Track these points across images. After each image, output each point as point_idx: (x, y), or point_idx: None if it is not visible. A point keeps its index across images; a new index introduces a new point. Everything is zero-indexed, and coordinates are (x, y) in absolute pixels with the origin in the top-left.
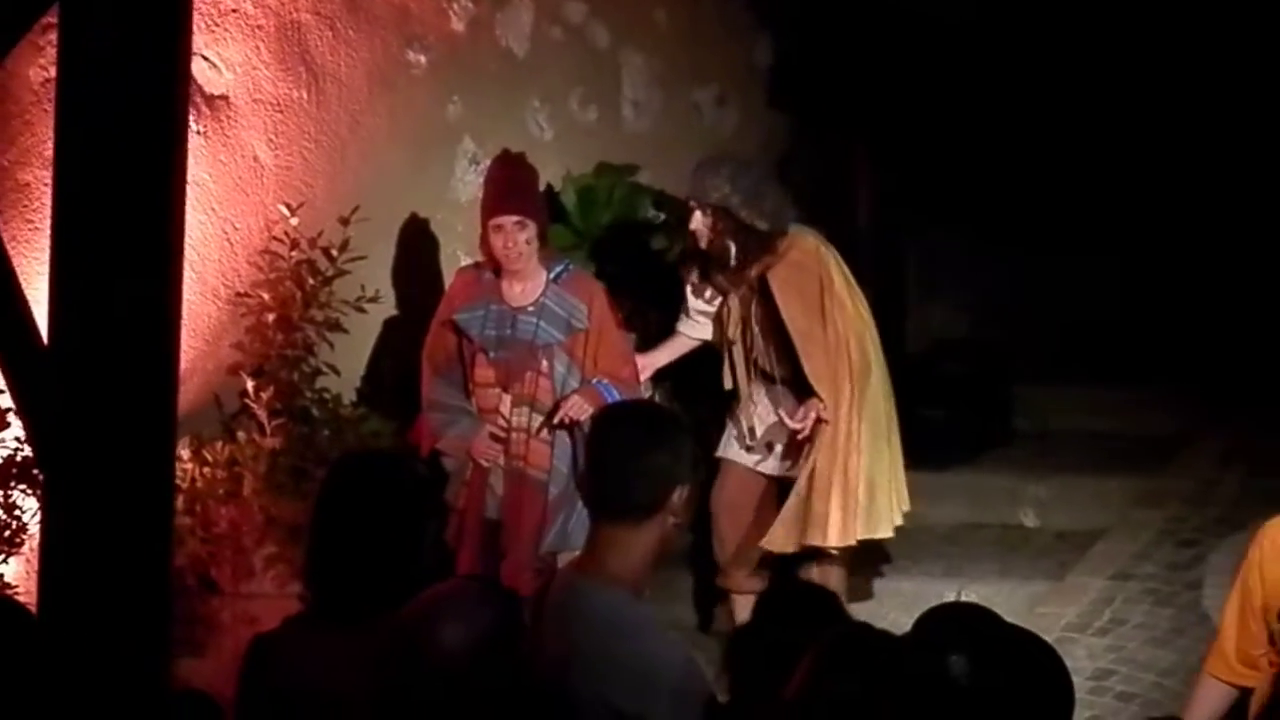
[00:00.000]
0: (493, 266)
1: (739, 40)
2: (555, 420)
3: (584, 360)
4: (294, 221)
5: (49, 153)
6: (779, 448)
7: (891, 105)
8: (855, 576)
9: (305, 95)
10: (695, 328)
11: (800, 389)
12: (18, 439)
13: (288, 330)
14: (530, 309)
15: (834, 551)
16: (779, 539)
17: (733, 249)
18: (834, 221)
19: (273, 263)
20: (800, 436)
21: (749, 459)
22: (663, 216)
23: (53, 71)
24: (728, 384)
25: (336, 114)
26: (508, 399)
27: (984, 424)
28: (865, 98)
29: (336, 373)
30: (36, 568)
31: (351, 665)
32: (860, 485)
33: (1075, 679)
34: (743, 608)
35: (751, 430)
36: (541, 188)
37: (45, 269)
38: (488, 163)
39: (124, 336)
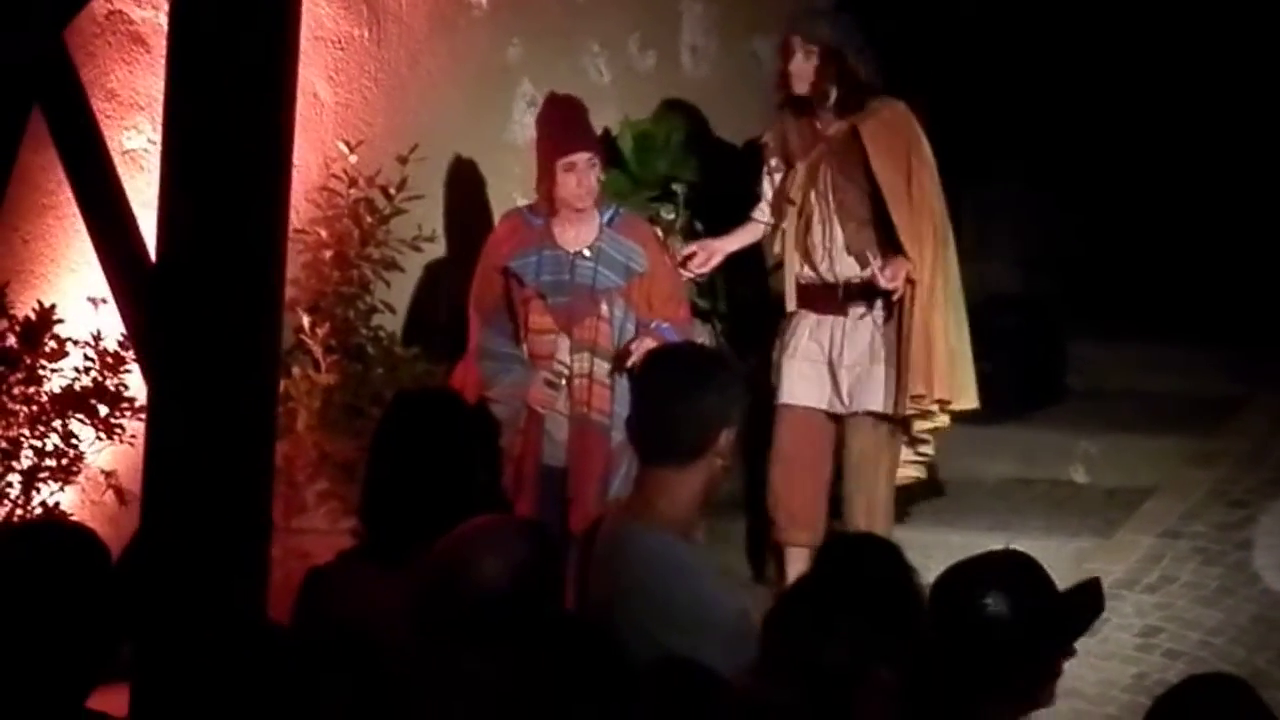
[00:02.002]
0: (547, 210)
1: None
2: (627, 365)
3: (639, 303)
4: (352, 159)
5: (111, 84)
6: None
7: (950, 55)
8: (903, 528)
9: (366, 34)
10: (765, 211)
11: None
12: (75, 369)
13: (344, 268)
14: (587, 253)
15: (881, 504)
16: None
17: (832, 95)
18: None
19: (330, 200)
20: (895, 297)
21: (813, 397)
22: (678, 188)
23: (116, 4)
24: (792, 302)
25: (397, 53)
26: (566, 345)
27: (1036, 379)
28: (924, 48)
29: (392, 311)
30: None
31: (404, 600)
32: (942, 347)
33: (1122, 635)
34: (796, 561)
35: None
36: (599, 134)
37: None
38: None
39: (231, 256)
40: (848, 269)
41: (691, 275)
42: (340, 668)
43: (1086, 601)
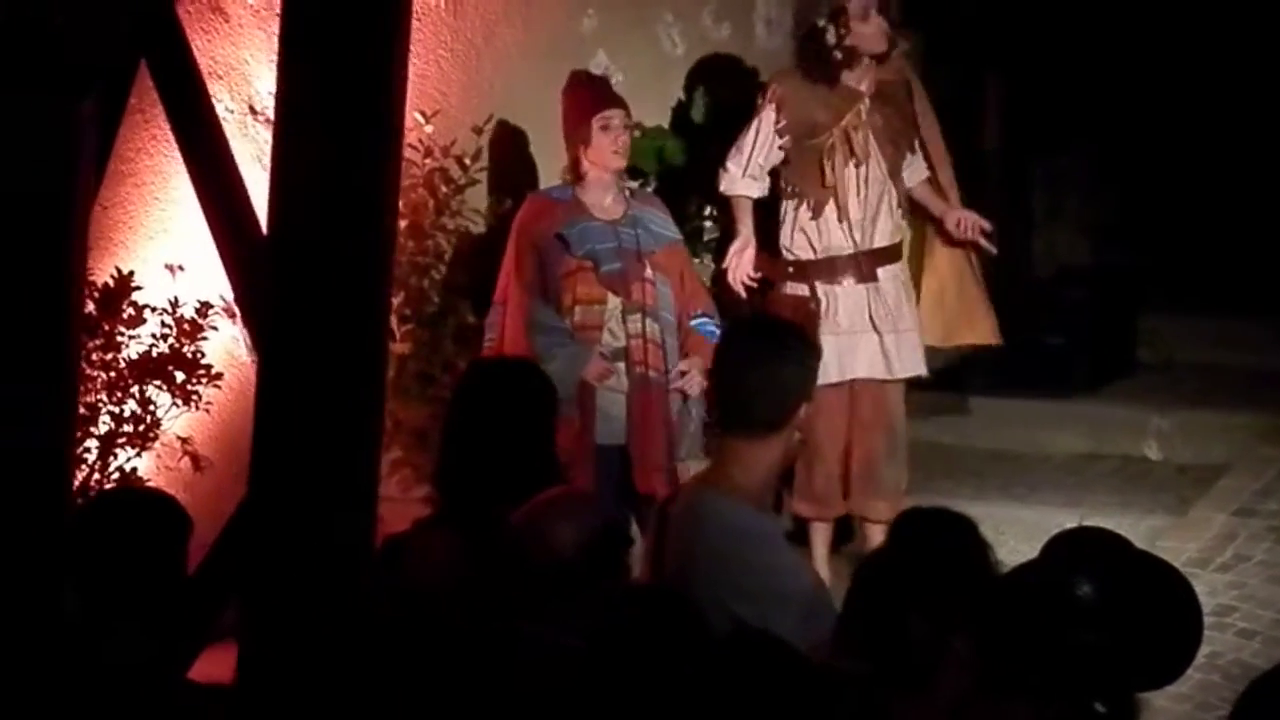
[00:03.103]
0: (574, 181)
1: None
2: (681, 386)
3: (670, 274)
4: (428, 129)
5: None
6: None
7: (1023, 26)
8: (972, 504)
9: (442, 4)
10: (752, 186)
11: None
12: (153, 335)
13: (419, 237)
14: (624, 221)
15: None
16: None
17: (887, 40)
18: (961, 143)
19: (406, 170)
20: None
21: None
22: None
23: None
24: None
25: (473, 24)
26: (617, 311)
27: (1108, 353)
28: (997, 19)
29: (466, 280)
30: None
31: (480, 568)
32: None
33: None
34: (822, 534)
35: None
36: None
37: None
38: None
39: (341, 227)
40: (886, 233)
41: (746, 285)
42: (418, 634)
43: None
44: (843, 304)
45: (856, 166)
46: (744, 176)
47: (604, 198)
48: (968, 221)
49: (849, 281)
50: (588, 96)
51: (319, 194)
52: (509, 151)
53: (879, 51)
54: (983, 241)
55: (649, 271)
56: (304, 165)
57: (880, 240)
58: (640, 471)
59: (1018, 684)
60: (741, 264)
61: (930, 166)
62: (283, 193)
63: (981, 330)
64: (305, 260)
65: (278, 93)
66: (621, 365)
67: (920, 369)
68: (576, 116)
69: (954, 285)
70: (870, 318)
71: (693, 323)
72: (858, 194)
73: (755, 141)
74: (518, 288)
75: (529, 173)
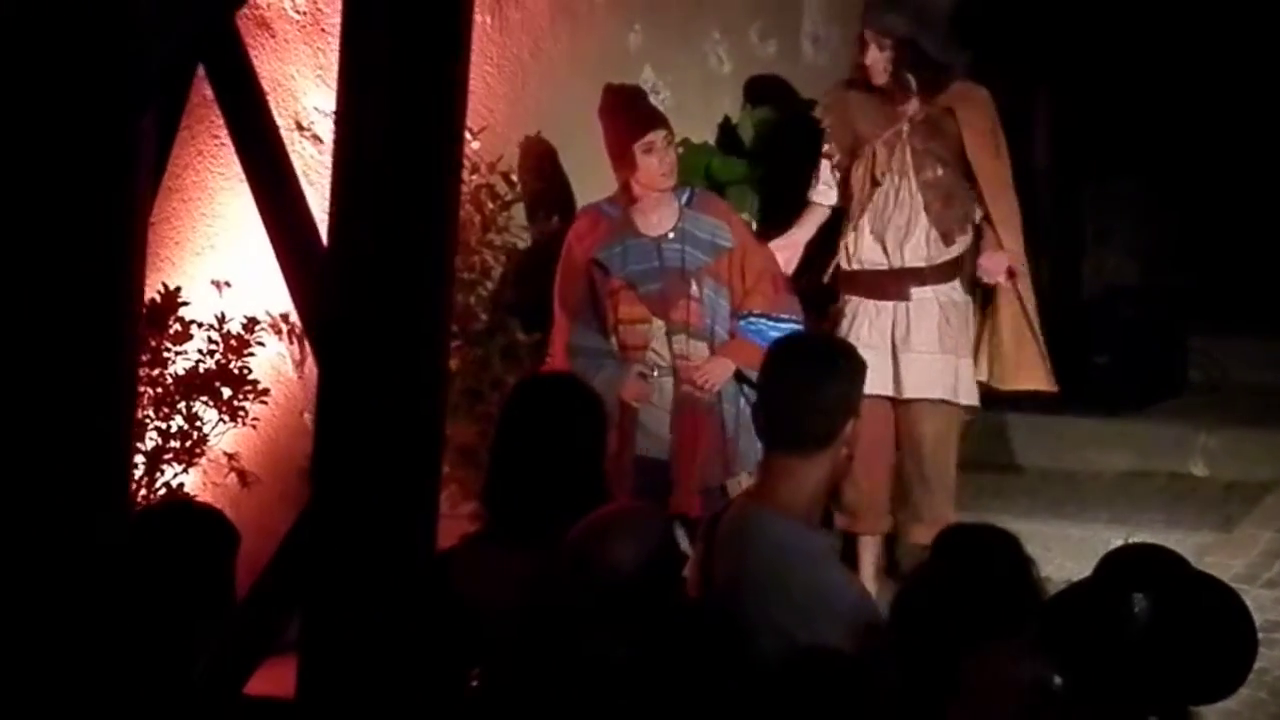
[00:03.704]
0: (625, 199)
1: None
2: (695, 384)
3: (730, 280)
4: (474, 145)
5: None
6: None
7: (1074, 45)
8: (1021, 521)
9: (489, 20)
10: (828, 194)
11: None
12: (200, 351)
13: (465, 254)
14: (671, 236)
15: (953, 486)
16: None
17: (912, 83)
18: (1012, 161)
19: None
20: (1000, 292)
21: (875, 384)
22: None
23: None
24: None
25: (519, 39)
26: (661, 331)
27: (1157, 373)
28: (1048, 37)
29: (513, 297)
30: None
31: (531, 583)
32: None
33: None
34: (868, 549)
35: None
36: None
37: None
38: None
39: (403, 240)
40: (922, 251)
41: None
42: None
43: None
44: (867, 319)
45: (891, 182)
46: (819, 184)
47: (651, 216)
48: (987, 267)
49: (877, 297)
50: (626, 121)
51: (380, 209)
52: (554, 167)
53: (881, 84)
54: (1002, 282)
55: (694, 289)
56: (365, 180)
57: (913, 260)
58: (677, 492)
59: (1047, 696)
60: (784, 256)
61: (981, 201)
62: (343, 206)
63: (1035, 376)
64: (366, 273)
65: (338, 108)
66: (666, 382)
67: (937, 392)
68: (619, 142)
69: (1009, 327)
70: (892, 336)
71: (739, 322)
72: (887, 211)
73: (825, 150)
74: (559, 309)
75: (575, 188)
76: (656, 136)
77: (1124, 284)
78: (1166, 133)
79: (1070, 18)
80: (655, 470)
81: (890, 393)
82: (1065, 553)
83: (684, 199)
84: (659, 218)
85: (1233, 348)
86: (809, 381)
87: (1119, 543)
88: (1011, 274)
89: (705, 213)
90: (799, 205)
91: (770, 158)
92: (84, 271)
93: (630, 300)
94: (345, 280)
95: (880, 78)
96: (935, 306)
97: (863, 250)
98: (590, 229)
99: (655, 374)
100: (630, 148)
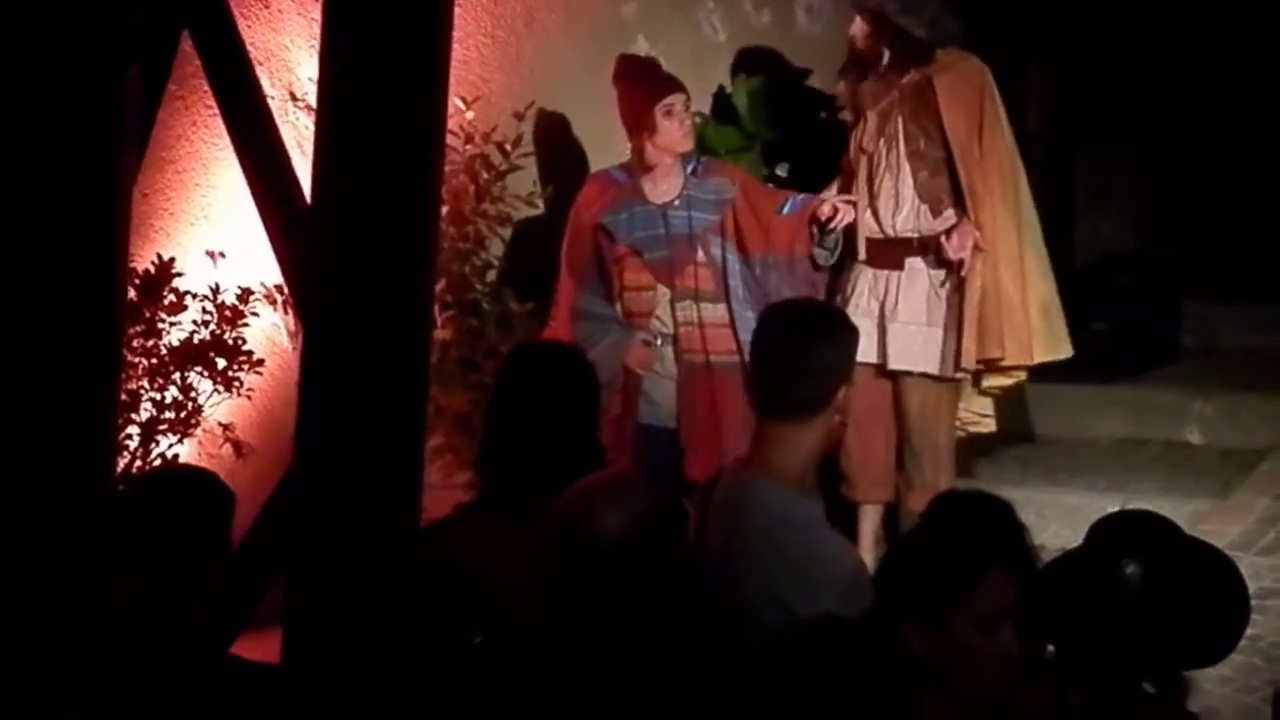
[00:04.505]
0: (638, 166)
1: None
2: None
3: (737, 229)
4: (469, 115)
5: None
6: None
7: (1064, 12)
8: (1015, 489)
9: None
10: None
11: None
12: (194, 322)
13: (460, 224)
14: (677, 203)
15: (945, 458)
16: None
17: (886, 55)
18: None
19: (447, 156)
20: (963, 271)
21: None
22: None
23: None
24: (861, 253)
25: (513, 9)
26: (666, 299)
27: (1151, 338)
28: (1039, 4)
29: (507, 266)
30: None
31: (523, 552)
32: (1033, 303)
33: None
34: (870, 517)
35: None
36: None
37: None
38: (662, 62)
39: (386, 198)
40: (912, 222)
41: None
42: (466, 618)
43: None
44: (867, 286)
45: (880, 152)
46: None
47: (660, 184)
48: (949, 243)
49: (875, 265)
50: (646, 84)
51: (361, 174)
52: (550, 137)
53: (859, 52)
54: (965, 258)
55: (700, 254)
56: (349, 149)
57: (905, 230)
58: (691, 459)
59: (1038, 664)
60: (843, 212)
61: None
62: (325, 172)
63: (989, 346)
64: (349, 232)
65: (320, 76)
66: (669, 350)
67: (919, 365)
68: (638, 106)
69: (993, 297)
70: (881, 305)
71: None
72: (879, 180)
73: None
74: (565, 273)
75: (569, 158)
76: (677, 99)
77: (1118, 250)
78: (1162, 98)
79: None
80: (658, 438)
81: (875, 361)
82: (1060, 520)
83: (689, 168)
84: (667, 186)
85: (1227, 313)
86: (801, 347)
87: (1113, 510)
88: (977, 248)
89: (710, 176)
90: (800, 173)
91: (766, 127)
92: (68, 238)
93: (636, 267)
94: (329, 246)
95: (860, 43)
96: (925, 278)
97: (862, 217)
98: (599, 194)
99: (659, 341)
100: (651, 110)
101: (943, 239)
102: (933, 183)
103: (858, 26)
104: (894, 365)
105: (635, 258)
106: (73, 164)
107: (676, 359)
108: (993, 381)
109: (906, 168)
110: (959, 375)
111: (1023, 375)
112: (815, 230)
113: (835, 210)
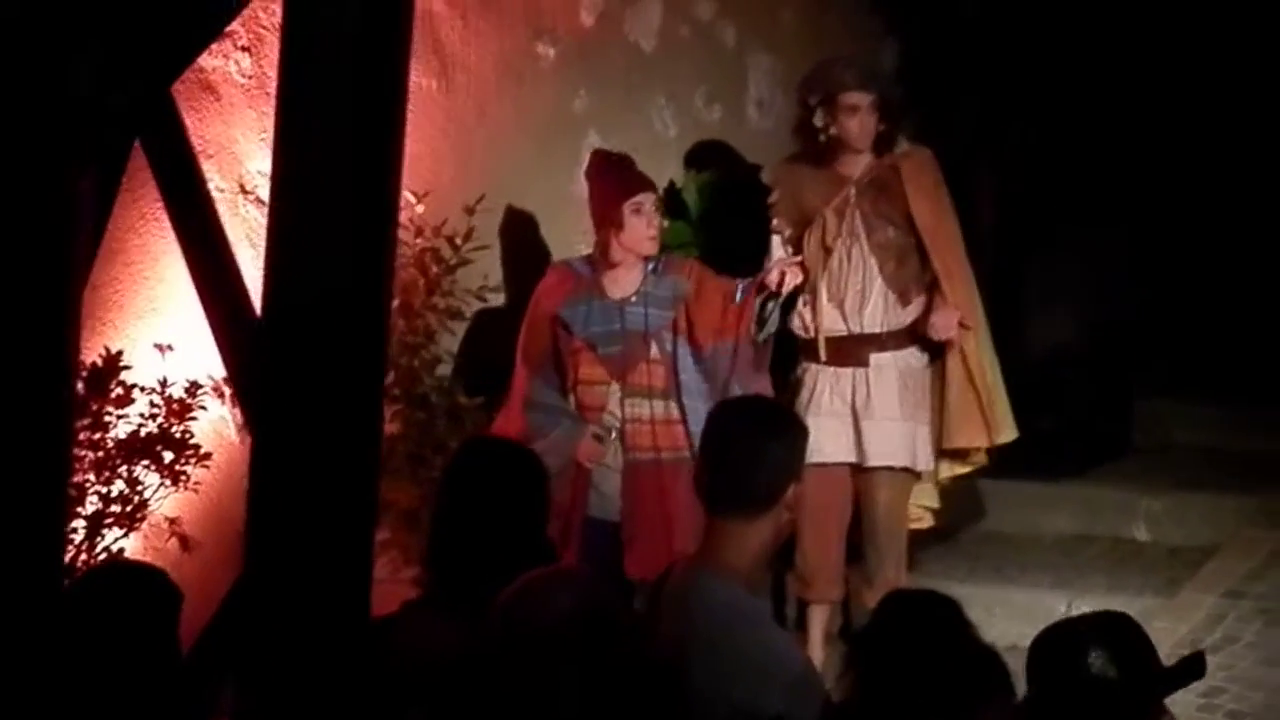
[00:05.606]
0: (601, 261)
1: (864, 45)
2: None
3: (689, 322)
4: (419, 209)
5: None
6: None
7: (1017, 111)
8: (964, 585)
9: (435, 84)
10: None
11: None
12: (141, 415)
13: (409, 317)
14: (634, 299)
15: (904, 555)
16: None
17: (870, 139)
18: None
19: (397, 249)
20: (950, 349)
21: (841, 452)
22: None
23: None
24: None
25: (465, 103)
26: (617, 394)
27: (1099, 435)
28: (989, 103)
29: (457, 361)
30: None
31: (470, 644)
32: (994, 386)
33: (1186, 695)
34: (819, 616)
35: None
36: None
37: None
38: None
39: (336, 293)
40: (880, 316)
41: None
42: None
43: (1189, 669)
44: (828, 386)
45: (843, 248)
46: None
47: (619, 280)
48: (937, 323)
49: (836, 363)
50: (618, 181)
51: (313, 273)
52: (501, 231)
53: (861, 149)
54: (953, 338)
55: (654, 351)
56: (298, 244)
57: (872, 325)
58: (630, 555)
59: None
60: (776, 276)
61: (928, 259)
62: (277, 272)
63: (971, 433)
64: (299, 339)
65: (273, 171)
66: (619, 444)
67: (899, 460)
68: (608, 201)
69: (956, 386)
70: (853, 402)
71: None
72: (843, 277)
73: (773, 226)
74: (520, 361)
75: (520, 252)
76: (646, 198)
77: (1069, 345)
78: (1111, 197)
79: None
80: (605, 532)
81: (853, 459)
82: (1007, 617)
83: (650, 266)
84: (626, 282)
85: (1175, 411)
86: (751, 444)
87: (1062, 608)
88: (964, 327)
89: (668, 274)
90: (745, 270)
91: (715, 222)
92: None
93: (590, 361)
94: (279, 341)
95: (864, 142)
96: (894, 372)
97: (822, 318)
98: (559, 284)
99: (611, 435)
100: (620, 207)
101: (931, 321)
102: (900, 273)
103: (862, 125)
104: (872, 462)
105: (590, 351)
106: (24, 265)
107: (624, 454)
108: (953, 471)
109: (872, 261)
110: (928, 467)
111: (981, 462)
112: (757, 305)
113: (782, 275)
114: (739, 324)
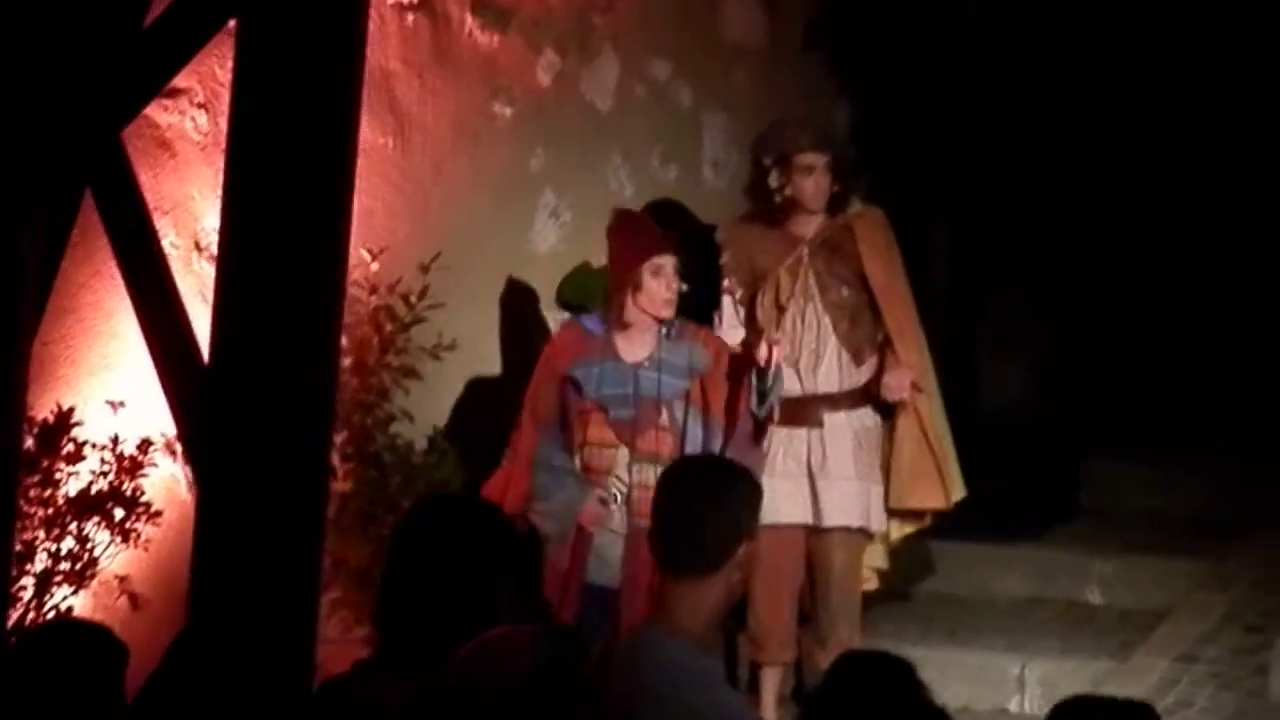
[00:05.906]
0: (615, 322)
1: (818, 105)
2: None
3: (704, 401)
4: (374, 267)
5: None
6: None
7: (970, 171)
8: (917, 648)
9: (390, 142)
10: (734, 333)
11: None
12: (92, 472)
13: (363, 375)
14: (647, 364)
15: (858, 615)
16: (910, 496)
17: (826, 200)
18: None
19: (351, 307)
20: (903, 409)
21: (796, 514)
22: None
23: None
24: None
25: (420, 162)
26: (625, 458)
27: (1051, 498)
28: (943, 164)
29: (410, 419)
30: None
31: (422, 705)
32: (946, 445)
33: None
34: (771, 678)
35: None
36: None
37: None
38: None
39: (285, 351)
40: (834, 376)
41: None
42: None
43: None
44: (783, 447)
45: (797, 308)
46: (723, 325)
47: (632, 343)
48: (890, 384)
49: (790, 424)
50: (640, 242)
51: (261, 330)
52: (456, 289)
53: (815, 209)
54: (905, 398)
55: (665, 418)
56: (247, 301)
57: (826, 386)
58: (626, 622)
59: None
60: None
61: (880, 319)
62: (225, 327)
63: (925, 493)
64: (247, 394)
65: (221, 227)
66: (621, 510)
67: (855, 520)
68: (627, 261)
69: (909, 445)
70: (808, 462)
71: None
72: (797, 338)
73: (725, 286)
74: (529, 420)
75: (475, 310)
76: (667, 261)
77: (1019, 408)
78: (1061, 255)
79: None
80: (603, 598)
81: (810, 521)
82: (960, 679)
83: (664, 330)
84: (640, 344)
85: (1127, 473)
86: (704, 504)
87: (1016, 670)
88: (916, 388)
89: (682, 339)
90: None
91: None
92: None
93: (600, 423)
94: (226, 398)
95: (819, 202)
96: (849, 432)
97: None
98: (572, 344)
99: (617, 500)
100: (639, 267)
101: (885, 381)
102: (854, 333)
103: (817, 185)
104: (829, 522)
105: (600, 414)
106: None
107: (629, 520)
108: (903, 531)
109: (826, 320)
110: (881, 528)
111: (928, 522)
112: (754, 379)
113: (770, 350)
114: (743, 401)
